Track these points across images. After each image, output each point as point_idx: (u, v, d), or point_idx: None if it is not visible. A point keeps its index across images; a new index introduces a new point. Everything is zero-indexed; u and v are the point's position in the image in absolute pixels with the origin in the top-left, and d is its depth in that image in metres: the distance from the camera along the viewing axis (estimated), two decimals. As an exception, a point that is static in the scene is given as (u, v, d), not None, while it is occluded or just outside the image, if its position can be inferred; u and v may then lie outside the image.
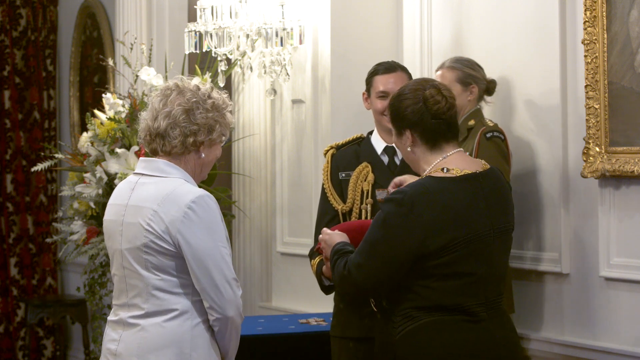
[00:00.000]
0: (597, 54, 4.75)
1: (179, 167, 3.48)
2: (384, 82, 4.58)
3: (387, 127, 4.52)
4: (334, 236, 3.80)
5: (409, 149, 3.67)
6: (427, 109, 3.63)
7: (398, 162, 4.54)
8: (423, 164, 3.67)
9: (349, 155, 4.65)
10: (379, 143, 4.61)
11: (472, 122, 5.06)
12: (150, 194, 3.44)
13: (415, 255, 3.53)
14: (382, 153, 4.59)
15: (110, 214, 3.55)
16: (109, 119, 5.94)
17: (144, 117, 3.52)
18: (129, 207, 3.47)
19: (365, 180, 4.56)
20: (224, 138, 3.53)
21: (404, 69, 4.64)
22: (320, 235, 3.85)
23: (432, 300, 3.57)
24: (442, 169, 3.61)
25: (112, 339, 3.50)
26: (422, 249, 3.53)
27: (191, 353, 3.40)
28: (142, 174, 3.51)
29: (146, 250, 3.41)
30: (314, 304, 5.84)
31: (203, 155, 3.50)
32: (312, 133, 6.07)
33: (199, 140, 3.47)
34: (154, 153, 3.52)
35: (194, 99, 3.46)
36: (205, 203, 3.40)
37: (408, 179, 3.76)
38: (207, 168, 3.55)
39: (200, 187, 3.54)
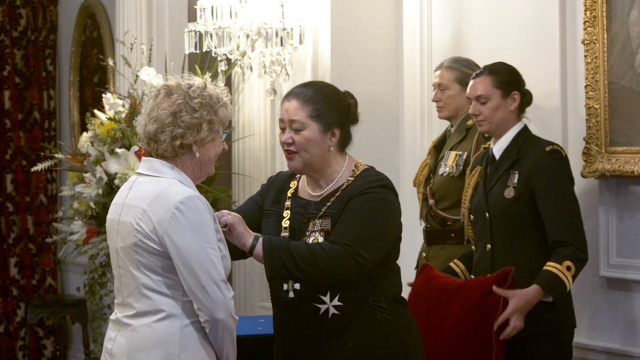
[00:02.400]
0: (597, 54, 4.75)
1: (176, 167, 3.48)
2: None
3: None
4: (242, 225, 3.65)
5: (332, 148, 3.76)
6: (352, 115, 3.83)
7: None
8: (334, 164, 3.79)
9: None
10: None
11: (470, 122, 5.06)
12: (143, 194, 3.44)
13: (397, 237, 3.77)
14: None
15: (110, 213, 3.56)
16: (109, 119, 5.94)
17: (139, 121, 3.52)
18: (124, 206, 3.48)
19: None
20: (218, 135, 3.50)
21: (492, 72, 4.58)
22: (232, 218, 3.65)
23: (400, 283, 3.83)
24: (360, 164, 3.81)
25: (110, 337, 3.51)
26: (399, 232, 3.77)
27: (180, 354, 3.38)
28: (141, 174, 3.51)
29: (136, 249, 3.41)
30: (314, 304, 5.83)
31: (197, 155, 3.48)
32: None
33: (186, 142, 3.44)
34: (150, 156, 3.52)
35: (180, 101, 3.44)
36: (193, 204, 3.38)
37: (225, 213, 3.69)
38: (207, 166, 3.53)
39: (199, 186, 3.53)
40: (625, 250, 4.72)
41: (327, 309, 3.69)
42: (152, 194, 3.41)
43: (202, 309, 3.37)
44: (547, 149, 4.45)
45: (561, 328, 4.41)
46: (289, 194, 3.86)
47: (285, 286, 3.74)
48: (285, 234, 3.77)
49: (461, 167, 5.00)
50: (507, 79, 4.56)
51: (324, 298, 3.68)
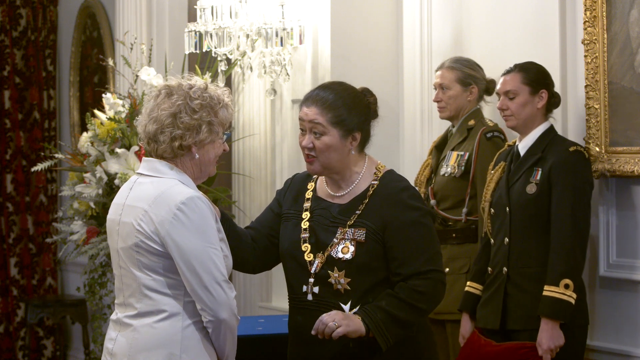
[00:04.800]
0: (597, 54, 4.75)
1: (177, 167, 3.47)
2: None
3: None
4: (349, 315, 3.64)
5: (352, 152, 3.74)
6: (371, 114, 3.80)
7: None
8: (354, 166, 3.78)
9: None
10: None
11: (472, 122, 5.07)
12: (144, 194, 3.43)
13: None
14: None
15: (110, 213, 3.55)
16: (109, 119, 5.94)
17: (139, 120, 3.51)
18: (125, 207, 3.47)
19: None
20: (218, 136, 3.49)
21: (522, 69, 4.63)
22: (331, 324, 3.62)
23: None
24: (380, 166, 3.80)
25: (110, 337, 3.50)
26: None
27: (181, 355, 3.37)
28: (141, 174, 3.50)
29: (137, 250, 3.40)
30: (314, 304, 5.83)
31: (197, 156, 3.47)
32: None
33: (185, 143, 3.43)
34: (150, 156, 3.51)
35: (180, 102, 3.42)
36: (195, 205, 3.37)
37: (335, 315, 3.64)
38: (207, 167, 3.52)
39: (199, 187, 3.53)
40: (625, 250, 4.71)
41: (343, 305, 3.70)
42: (153, 195, 3.40)
43: (206, 309, 3.37)
44: (571, 149, 4.52)
45: (574, 324, 4.46)
46: (307, 195, 3.84)
47: (304, 288, 3.74)
48: (305, 235, 3.76)
49: (463, 168, 5.00)
50: (536, 77, 4.63)
51: (344, 306, 3.68)
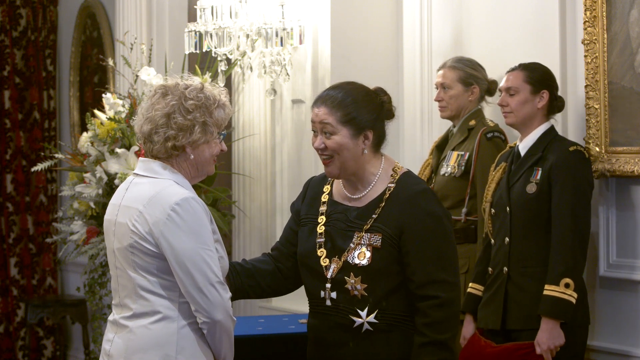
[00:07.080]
0: (597, 54, 4.75)
1: (173, 168, 3.46)
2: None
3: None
4: None
5: (366, 151, 3.69)
6: (384, 112, 3.74)
7: None
8: (369, 166, 3.72)
9: None
10: None
11: (472, 122, 5.07)
12: (139, 195, 3.43)
13: None
14: None
15: (107, 214, 3.55)
16: (109, 119, 5.94)
17: (136, 120, 3.51)
18: (121, 207, 3.47)
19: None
20: (213, 136, 3.47)
21: (526, 68, 4.64)
22: None
23: None
24: (397, 167, 3.75)
25: (108, 339, 3.51)
26: None
27: (177, 356, 3.37)
28: (138, 174, 3.50)
29: (132, 250, 3.39)
30: (314, 304, 5.82)
31: (192, 156, 3.46)
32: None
33: (178, 144, 3.42)
34: (147, 155, 3.51)
35: (174, 102, 3.41)
36: (189, 205, 3.36)
37: None
38: (203, 167, 3.50)
39: (199, 186, 3.53)
40: (625, 250, 4.72)
41: (362, 324, 3.68)
42: (148, 195, 3.40)
43: (200, 311, 3.36)
44: (571, 148, 4.53)
45: (575, 324, 4.47)
46: (323, 199, 3.81)
47: (322, 293, 3.72)
48: (320, 239, 3.73)
49: (463, 168, 5.01)
50: (539, 77, 4.65)
51: (361, 313, 3.67)
